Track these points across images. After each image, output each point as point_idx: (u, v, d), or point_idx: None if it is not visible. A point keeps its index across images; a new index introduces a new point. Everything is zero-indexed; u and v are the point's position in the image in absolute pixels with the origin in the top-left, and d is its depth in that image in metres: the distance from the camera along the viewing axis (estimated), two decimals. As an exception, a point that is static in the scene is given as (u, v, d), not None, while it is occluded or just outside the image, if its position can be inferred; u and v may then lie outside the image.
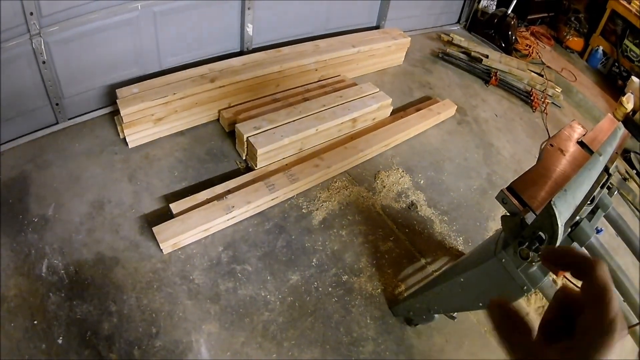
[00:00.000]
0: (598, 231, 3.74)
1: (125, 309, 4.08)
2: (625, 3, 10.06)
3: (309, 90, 6.66)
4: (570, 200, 2.85)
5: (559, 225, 2.61)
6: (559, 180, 3.41)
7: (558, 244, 2.72)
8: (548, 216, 2.64)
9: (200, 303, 4.29)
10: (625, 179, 7.75)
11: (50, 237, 4.41)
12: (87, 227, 4.58)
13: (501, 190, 3.15)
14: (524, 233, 2.92)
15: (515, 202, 3.11)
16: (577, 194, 2.98)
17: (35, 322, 3.85)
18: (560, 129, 4.04)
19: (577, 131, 4.06)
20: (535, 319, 4.86)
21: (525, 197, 3.11)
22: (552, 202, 2.58)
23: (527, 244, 2.86)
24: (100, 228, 4.61)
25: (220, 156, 5.63)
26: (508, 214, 3.20)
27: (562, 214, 2.65)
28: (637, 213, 7.36)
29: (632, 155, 8.39)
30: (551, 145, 3.73)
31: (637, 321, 3.33)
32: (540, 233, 2.76)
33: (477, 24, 10.09)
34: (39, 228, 4.46)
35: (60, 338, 3.80)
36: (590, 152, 3.78)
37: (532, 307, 5.22)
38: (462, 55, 8.92)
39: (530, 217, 2.97)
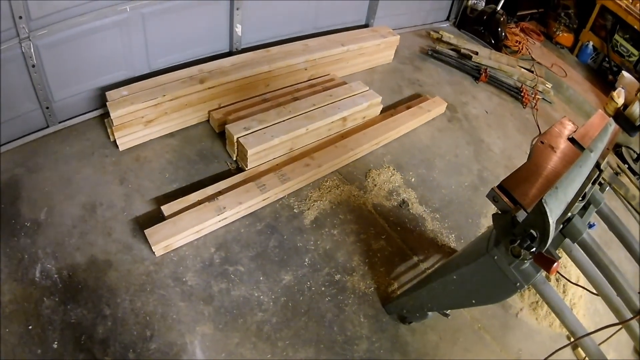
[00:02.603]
0: (590, 226, 3.75)
1: (119, 312, 4.08)
2: (615, -2, 10.07)
3: (298, 89, 6.65)
4: (562, 197, 2.86)
5: (551, 223, 2.62)
6: (550, 177, 3.42)
7: (550, 241, 2.73)
8: (539, 214, 2.64)
9: (194, 304, 4.30)
10: (617, 174, 7.77)
11: (43, 241, 4.40)
12: (79, 231, 4.57)
13: (492, 188, 3.16)
14: (515, 231, 2.93)
15: (506, 200, 3.11)
16: (568, 191, 2.99)
17: (30, 327, 3.85)
18: (551, 125, 4.04)
19: (568, 128, 4.07)
20: (528, 315, 4.89)
21: (516, 194, 3.12)
22: (543, 200, 2.59)
23: (518, 241, 2.86)
24: (93, 231, 4.61)
25: (210, 157, 5.63)
26: (499, 212, 3.21)
27: (554, 211, 2.66)
28: (630, 207, 7.39)
29: (624, 149, 8.41)
30: (542, 142, 3.74)
31: (631, 316, 3.35)
32: (531, 231, 2.77)
33: (467, 21, 10.10)
34: (31, 232, 4.45)
35: (55, 342, 3.81)
36: (581, 148, 3.79)
37: (526, 303, 5.25)
38: (451, 53, 8.92)
39: (521, 215, 2.98)
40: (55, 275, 4.20)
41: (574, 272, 5.19)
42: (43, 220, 4.58)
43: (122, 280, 4.30)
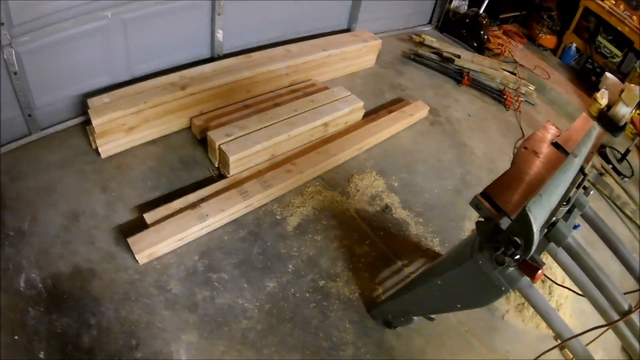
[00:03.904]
0: (575, 227, 3.77)
1: (104, 321, 4.07)
2: (598, 0, 10.16)
3: (280, 95, 6.67)
4: (546, 204, 2.87)
5: (535, 231, 2.63)
6: (533, 183, 3.42)
7: (534, 248, 2.74)
8: (523, 222, 2.65)
9: (178, 313, 4.30)
10: (601, 174, 7.82)
11: (27, 251, 4.39)
12: (62, 240, 4.56)
13: (475, 196, 3.16)
14: (498, 238, 2.93)
15: (489, 207, 3.11)
16: (552, 197, 3.00)
17: (16, 337, 3.84)
18: (534, 130, 4.06)
19: (551, 132, 4.07)
20: (515, 316, 4.91)
21: (499, 201, 3.12)
22: (527, 208, 2.60)
23: (502, 249, 2.87)
24: (76, 240, 4.59)
25: (192, 164, 5.64)
26: (482, 219, 3.22)
27: (538, 218, 2.66)
28: (615, 207, 7.44)
29: (608, 150, 8.47)
30: (525, 147, 3.75)
31: (617, 317, 3.37)
32: (515, 238, 2.78)
33: (449, 24, 10.15)
34: (15, 242, 4.43)
35: (42, 353, 3.79)
36: (565, 153, 3.79)
37: (512, 305, 5.27)
38: (433, 56, 8.95)
39: (505, 222, 2.99)
40: (40, 285, 4.18)
41: (559, 273, 5.19)
42: (27, 230, 4.56)
43: (106, 289, 4.30)
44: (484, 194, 3.17)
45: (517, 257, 2.83)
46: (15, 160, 5.11)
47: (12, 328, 3.88)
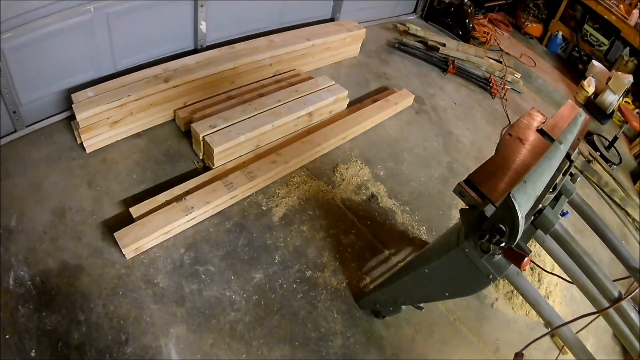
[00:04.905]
0: (563, 214, 3.77)
1: (93, 317, 4.07)
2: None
3: (264, 85, 6.66)
4: (530, 191, 2.87)
5: (519, 218, 2.64)
6: (518, 170, 3.43)
7: (519, 236, 2.75)
8: (507, 209, 2.65)
9: (166, 306, 4.30)
10: (589, 161, 7.86)
11: (15, 248, 4.37)
12: (50, 236, 4.55)
13: (458, 183, 3.16)
14: (483, 226, 2.94)
15: (474, 194, 3.12)
16: (537, 184, 3.00)
17: (7, 336, 3.83)
18: (519, 117, 4.06)
19: (537, 119, 4.08)
20: (504, 304, 4.92)
21: (483, 189, 3.12)
22: (511, 195, 2.60)
23: (487, 237, 2.87)
24: (63, 236, 4.58)
25: (177, 157, 5.62)
26: (467, 207, 3.22)
27: (522, 205, 2.66)
28: (603, 194, 7.47)
29: (595, 137, 8.51)
30: (510, 134, 3.75)
31: (608, 305, 3.38)
32: (500, 226, 2.78)
33: (434, 12, 10.18)
34: (3, 239, 4.41)
35: (33, 351, 3.79)
36: (551, 139, 3.81)
37: (501, 293, 5.31)
38: (418, 45, 8.97)
39: (489, 210, 2.99)
40: (29, 282, 4.17)
41: (548, 260, 5.20)
42: (14, 227, 4.54)
43: (94, 285, 4.29)
44: (468, 181, 3.17)
45: (503, 244, 2.83)
46: (2, 158, 5.08)
47: (3, 327, 3.87)
